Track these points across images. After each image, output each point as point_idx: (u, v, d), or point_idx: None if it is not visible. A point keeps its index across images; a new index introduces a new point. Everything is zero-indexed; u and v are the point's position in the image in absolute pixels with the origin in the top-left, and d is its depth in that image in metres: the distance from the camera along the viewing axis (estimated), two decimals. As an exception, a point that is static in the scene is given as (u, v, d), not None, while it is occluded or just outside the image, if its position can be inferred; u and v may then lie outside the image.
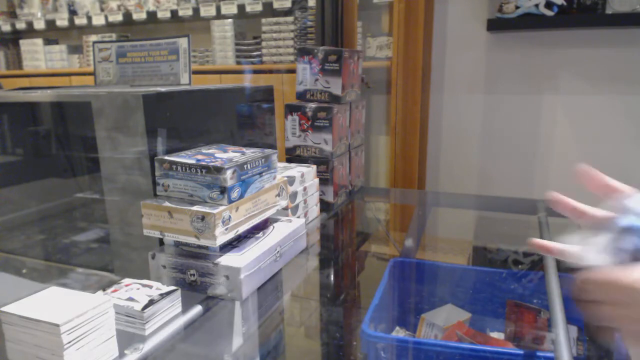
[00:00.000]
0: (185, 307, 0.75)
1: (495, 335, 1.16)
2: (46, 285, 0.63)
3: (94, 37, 3.31)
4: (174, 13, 2.93)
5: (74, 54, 3.44)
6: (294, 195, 1.07)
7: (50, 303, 0.59)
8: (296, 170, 1.13)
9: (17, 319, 0.57)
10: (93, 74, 1.21)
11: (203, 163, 0.79)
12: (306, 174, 1.14)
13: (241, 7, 2.73)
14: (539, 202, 1.41)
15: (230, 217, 0.78)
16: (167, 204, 0.79)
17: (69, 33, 3.54)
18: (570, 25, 1.93)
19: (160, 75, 1.12)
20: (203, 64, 2.94)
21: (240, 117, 1.17)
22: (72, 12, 3.33)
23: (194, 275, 0.79)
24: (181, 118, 0.94)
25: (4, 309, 0.58)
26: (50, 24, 3.40)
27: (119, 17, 3.12)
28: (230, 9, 2.75)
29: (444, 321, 1.08)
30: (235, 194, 0.79)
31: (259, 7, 2.70)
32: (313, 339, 0.88)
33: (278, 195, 0.94)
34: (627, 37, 1.89)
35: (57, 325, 0.54)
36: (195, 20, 2.95)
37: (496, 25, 1.99)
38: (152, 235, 0.81)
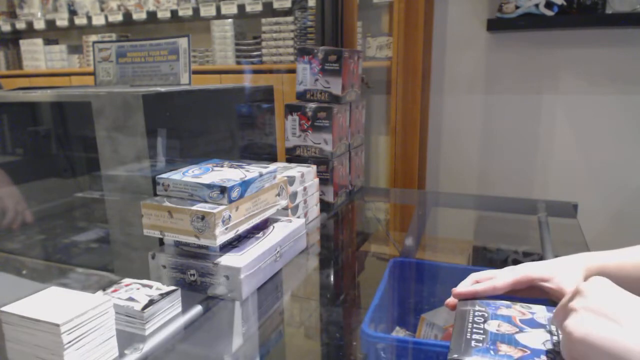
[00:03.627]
0: (185, 307, 0.74)
1: (495, 335, 1.16)
2: (46, 285, 0.63)
3: (94, 37, 3.31)
4: (174, 13, 2.93)
5: (74, 54, 3.44)
6: (294, 195, 1.07)
7: (50, 303, 0.59)
8: (296, 170, 1.13)
9: (17, 318, 0.57)
10: (93, 74, 1.21)
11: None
12: (306, 174, 1.14)
13: (241, 7, 2.73)
14: (539, 202, 1.41)
15: (230, 216, 0.78)
16: (167, 203, 0.79)
17: (69, 33, 3.54)
18: (570, 25, 1.93)
19: (160, 75, 1.12)
20: (203, 64, 2.94)
21: (240, 117, 1.17)
22: (72, 12, 3.33)
23: (194, 275, 0.79)
24: (181, 118, 0.94)
25: (4, 309, 0.58)
26: (50, 24, 3.40)
27: (119, 17, 3.12)
28: (230, 9, 2.75)
29: (444, 321, 1.08)
30: (235, 194, 0.79)
31: (259, 7, 2.70)
32: (313, 339, 0.88)
33: (278, 195, 0.94)
34: (627, 37, 1.89)
35: (57, 325, 0.54)
36: (195, 20, 2.95)
37: (496, 25, 1.99)
38: (152, 235, 0.81)
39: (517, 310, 0.59)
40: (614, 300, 0.47)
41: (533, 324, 0.55)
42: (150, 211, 0.80)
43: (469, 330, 0.55)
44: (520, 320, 0.57)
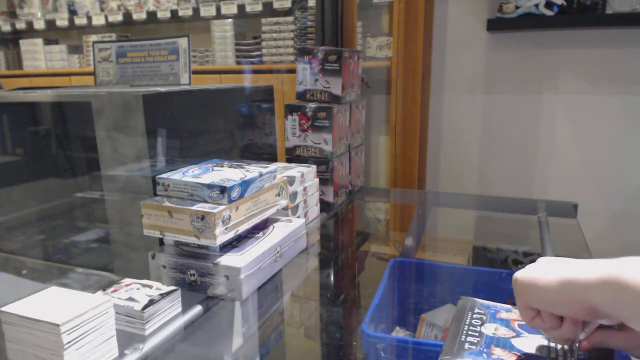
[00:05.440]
0: (185, 307, 0.74)
1: (495, 335, 1.15)
2: (46, 285, 0.63)
3: (94, 37, 3.32)
4: (174, 13, 2.94)
5: (74, 54, 3.45)
6: (294, 195, 1.07)
7: (50, 303, 0.59)
8: (296, 170, 1.13)
9: (17, 319, 0.57)
10: (93, 74, 1.21)
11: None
12: (306, 174, 1.14)
13: (241, 7, 2.74)
14: (539, 202, 1.41)
15: (230, 216, 0.78)
16: (167, 203, 0.79)
17: (69, 33, 3.55)
18: (570, 25, 1.93)
19: (160, 75, 1.12)
20: (203, 64, 2.94)
21: (240, 117, 1.17)
22: (72, 12, 3.33)
23: (194, 275, 0.79)
24: (181, 118, 0.94)
25: (4, 309, 0.58)
26: (50, 24, 3.40)
27: (119, 17, 3.12)
28: (230, 9, 2.76)
29: (444, 321, 1.08)
30: (235, 194, 0.79)
31: (259, 7, 2.70)
32: (313, 339, 0.88)
33: (278, 194, 0.94)
34: (627, 37, 1.89)
35: (57, 325, 0.54)
36: (195, 20, 2.95)
37: (496, 25, 1.99)
38: (152, 235, 0.81)
39: (518, 315, 0.59)
40: (560, 259, 0.52)
41: (531, 329, 0.55)
42: (150, 211, 0.80)
43: (464, 332, 0.54)
44: (519, 325, 0.56)
